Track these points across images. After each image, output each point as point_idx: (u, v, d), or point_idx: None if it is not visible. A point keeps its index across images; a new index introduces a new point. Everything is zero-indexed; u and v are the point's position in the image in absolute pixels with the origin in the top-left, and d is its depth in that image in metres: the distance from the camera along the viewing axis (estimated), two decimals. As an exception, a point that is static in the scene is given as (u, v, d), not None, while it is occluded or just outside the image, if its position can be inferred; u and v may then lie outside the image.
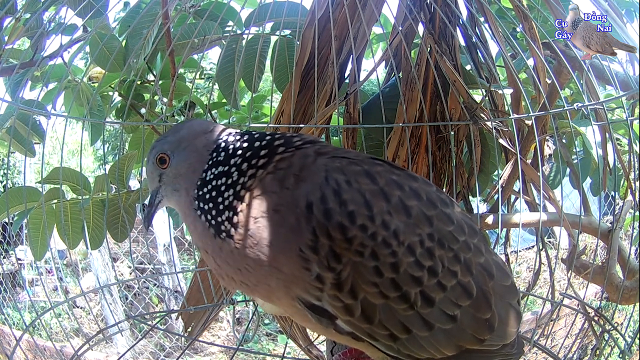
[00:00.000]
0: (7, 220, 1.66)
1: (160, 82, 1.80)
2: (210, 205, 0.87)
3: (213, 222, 0.87)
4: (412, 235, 0.82)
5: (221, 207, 0.86)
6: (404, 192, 0.85)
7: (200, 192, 0.89)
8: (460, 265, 0.86)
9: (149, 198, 0.97)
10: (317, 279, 0.81)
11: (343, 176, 0.83)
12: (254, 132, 0.93)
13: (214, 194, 0.87)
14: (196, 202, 0.89)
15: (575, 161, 1.96)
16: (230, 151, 0.89)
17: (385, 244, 0.80)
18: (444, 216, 0.87)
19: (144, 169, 1.96)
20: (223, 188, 0.87)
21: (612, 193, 2.42)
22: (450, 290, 0.85)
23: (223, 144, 0.91)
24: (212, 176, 0.89)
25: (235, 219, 0.85)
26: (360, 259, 0.80)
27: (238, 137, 0.91)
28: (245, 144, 0.89)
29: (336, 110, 1.52)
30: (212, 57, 3.79)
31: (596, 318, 1.45)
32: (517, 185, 1.67)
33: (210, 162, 0.90)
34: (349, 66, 1.53)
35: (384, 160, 0.93)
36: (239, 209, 0.85)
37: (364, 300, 0.81)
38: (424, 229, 0.84)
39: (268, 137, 0.91)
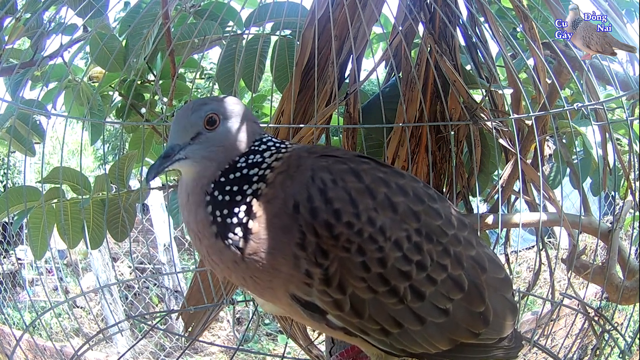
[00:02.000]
0: (7, 220, 1.66)
1: (161, 82, 1.80)
2: (227, 198, 0.84)
3: (219, 219, 0.84)
4: (399, 231, 0.83)
5: (235, 208, 0.83)
6: (390, 188, 0.86)
7: (224, 178, 0.85)
8: (450, 259, 0.87)
9: (166, 149, 0.86)
10: (306, 274, 0.82)
11: (329, 175, 0.84)
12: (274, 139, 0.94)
13: (235, 188, 0.84)
14: (212, 186, 0.85)
15: (575, 161, 1.96)
16: (269, 145, 0.90)
17: (372, 239, 0.81)
18: (431, 211, 0.88)
19: (144, 168, 1.97)
20: (246, 186, 0.84)
21: (612, 193, 2.42)
22: (440, 283, 0.85)
23: (265, 139, 0.91)
24: (244, 164, 0.86)
25: (249, 223, 0.83)
26: (347, 255, 0.81)
27: (277, 141, 0.92)
28: (273, 147, 0.90)
29: (336, 110, 1.52)
30: (212, 57, 3.80)
31: (596, 318, 1.45)
32: (517, 185, 1.67)
33: (248, 149, 0.88)
34: (349, 66, 1.53)
35: (371, 157, 0.94)
36: (254, 212, 0.83)
37: (352, 295, 0.83)
38: (411, 224, 0.85)
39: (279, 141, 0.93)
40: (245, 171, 0.86)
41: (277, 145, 0.91)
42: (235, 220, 0.83)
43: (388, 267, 0.82)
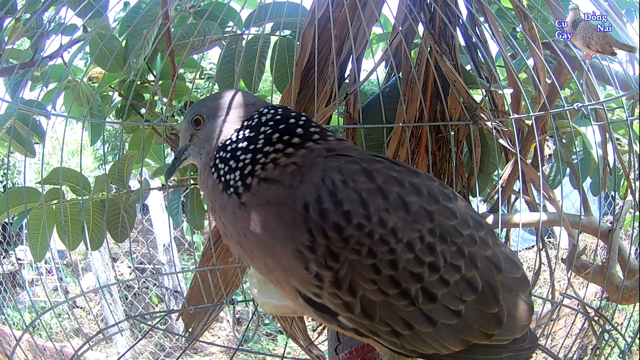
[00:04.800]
0: (7, 220, 1.66)
1: (160, 82, 1.80)
2: (223, 164, 0.90)
3: (223, 178, 0.90)
4: (411, 232, 0.82)
5: (233, 166, 0.89)
6: (403, 188, 0.85)
7: (218, 154, 0.92)
8: (465, 260, 0.85)
9: (177, 152, 1.02)
10: (316, 277, 0.81)
11: (339, 175, 0.83)
12: (289, 108, 0.96)
13: (229, 155, 0.90)
14: (213, 161, 0.93)
15: (575, 161, 1.96)
16: (263, 120, 0.92)
17: (383, 241, 0.80)
18: (446, 210, 0.86)
19: (144, 168, 1.97)
20: (240, 152, 0.89)
21: (612, 193, 2.42)
22: (453, 285, 0.84)
23: (257, 115, 0.93)
24: (234, 138, 0.92)
25: (249, 179, 0.87)
26: (358, 257, 0.80)
27: (273, 111, 0.93)
28: (278, 117, 0.92)
29: (336, 110, 1.52)
30: (212, 57, 3.80)
31: (596, 318, 1.45)
32: (517, 185, 1.67)
33: (239, 127, 0.93)
34: (349, 66, 1.53)
35: (386, 157, 0.93)
36: (257, 173, 0.87)
37: (363, 298, 0.82)
38: (424, 225, 0.83)
39: (304, 118, 0.93)
40: (235, 145, 0.91)
41: (270, 117, 0.92)
42: (234, 175, 0.89)
43: (399, 269, 0.81)
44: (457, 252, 0.85)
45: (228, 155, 0.90)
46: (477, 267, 0.87)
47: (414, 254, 0.81)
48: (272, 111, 0.92)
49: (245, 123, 0.92)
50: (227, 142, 0.92)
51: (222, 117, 0.95)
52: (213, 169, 0.92)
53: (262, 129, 0.90)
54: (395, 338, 0.85)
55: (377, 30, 2.07)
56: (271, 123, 0.90)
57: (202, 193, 1.03)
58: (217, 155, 0.92)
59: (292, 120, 0.91)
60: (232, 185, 0.88)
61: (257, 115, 0.92)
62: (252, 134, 0.90)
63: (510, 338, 0.92)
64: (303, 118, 0.92)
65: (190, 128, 0.98)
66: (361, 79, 1.54)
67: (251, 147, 0.89)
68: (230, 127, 0.94)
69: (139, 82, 1.94)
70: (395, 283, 0.81)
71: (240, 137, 0.91)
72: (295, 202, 0.82)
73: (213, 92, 2.27)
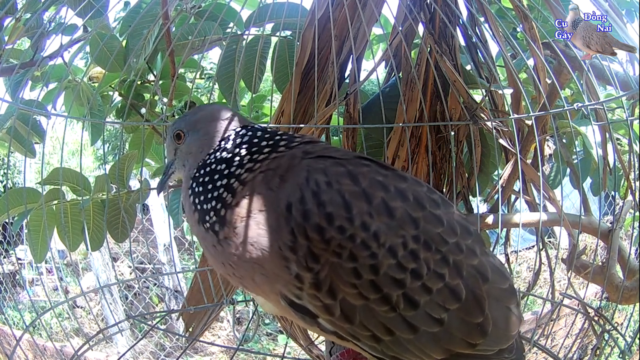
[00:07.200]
0: (7, 220, 1.66)
1: (161, 82, 1.80)
2: (201, 189, 0.91)
3: (199, 207, 0.90)
4: (395, 237, 0.81)
5: (209, 195, 0.89)
6: (388, 193, 0.84)
7: (198, 174, 0.93)
8: (449, 268, 0.84)
9: (165, 167, 1.07)
10: (297, 278, 0.81)
11: (324, 177, 0.83)
12: (268, 129, 0.95)
13: (207, 178, 0.91)
14: (191, 182, 0.94)
15: (575, 161, 1.96)
16: (238, 141, 0.92)
17: (365, 245, 0.80)
18: (432, 217, 0.86)
19: (144, 168, 1.97)
20: (217, 176, 0.90)
21: (612, 193, 2.42)
22: (436, 293, 0.83)
23: (233, 134, 0.94)
24: (213, 159, 0.92)
25: (222, 212, 0.86)
26: (339, 260, 0.80)
27: (250, 132, 0.94)
28: (255, 140, 0.92)
29: (336, 110, 1.52)
30: (212, 57, 3.80)
31: (596, 318, 1.45)
32: (517, 185, 1.67)
33: (217, 147, 0.93)
34: (349, 66, 1.53)
35: (373, 160, 0.92)
36: (228, 202, 0.87)
37: (343, 301, 0.81)
38: (408, 231, 0.82)
39: (277, 137, 0.93)
40: (214, 166, 0.92)
41: (247, 139, 0.93)
42: (209, 206, 0.88)
43: (380, 275, 0.80)
44: (442, 260, 0.84)
45: (206, 179, 0.91)
46: (462, 275, 0.86)
47: (396, 259, 0.81)
48: (249, 133, 0.93)
49: (222, 143, 0.93)
50: (207, 162, 0.93)
51: (200, 132, 0.97)
52: (190, 191, 0.93)
53: (237, 150, 0.91)
54: (376, 343, 0.84)
55: (377, 30, 2.07)
56: (245, 146, 0.91)
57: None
58: (196, 175, 0.93)
59: (263, 143, 0.91)
60: (209, 221, 0.88)
61: (233, 136, 0.93)
62: (229, 156, 0.91)
63: (496, 348, 0.91)
64: (276, 137, 0.93)
65: (173, 143, 1.01)
66: (361, 79, 1.54)
67: (225, 171, 0.89)
68: (208, 142, 0.95)
69: (139, 82, 1.94)
70: (376, 288, 0.80)
71: (218, 157, 0.92)
72: (279, 204, 0.82)
73: (213, 92, 2.28)
